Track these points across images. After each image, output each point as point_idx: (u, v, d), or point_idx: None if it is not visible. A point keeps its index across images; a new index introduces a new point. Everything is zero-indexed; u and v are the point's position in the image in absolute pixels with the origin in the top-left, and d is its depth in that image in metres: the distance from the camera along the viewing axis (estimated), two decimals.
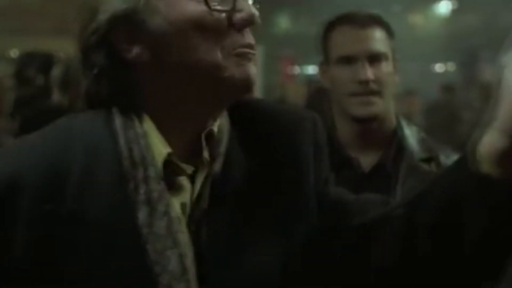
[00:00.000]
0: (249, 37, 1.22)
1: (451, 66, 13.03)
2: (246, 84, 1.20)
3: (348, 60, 2.36)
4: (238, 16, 1.19)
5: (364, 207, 1.35)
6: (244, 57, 1.20)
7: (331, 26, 2.45)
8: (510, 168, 1.15)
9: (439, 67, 13.83)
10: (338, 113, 2.46)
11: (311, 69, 7.13)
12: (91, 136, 1.19)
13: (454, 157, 2.40)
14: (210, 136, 1.24)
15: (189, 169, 1.22)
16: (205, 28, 1.17)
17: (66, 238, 1.13)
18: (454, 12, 13.46)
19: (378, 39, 2.39)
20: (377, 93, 2.33)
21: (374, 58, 2.35)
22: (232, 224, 1.23)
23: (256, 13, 1.21)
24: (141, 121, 1.21)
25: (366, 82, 2.32)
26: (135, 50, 1.19)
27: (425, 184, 1.28)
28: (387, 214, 1.30)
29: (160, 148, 1.20)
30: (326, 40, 2.45)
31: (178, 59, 1.18)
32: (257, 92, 7.06)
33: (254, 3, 1.24)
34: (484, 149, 1.17)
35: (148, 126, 1.21)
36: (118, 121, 1.21)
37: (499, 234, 1.15)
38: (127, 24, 1.19)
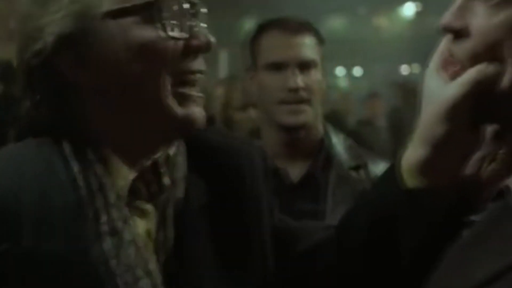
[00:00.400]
0: (200, 63, 1.18)
1: (416, 68, 13.14)
2: (190, 126, 1.17)
3: (278, 66, 2.31)
4: (194, 42, 1.15)
5: (308, 235, 1.35)
6: (189, 97, 1.16)
7: (260, 31, 2.39)
8: (433, 179, 1.16)
9: (404, 69, 13.94)
10: (264, 121, 2.41)
11: None
12: (41, 166, 1.12)
13: (382, 164, 2.44)
14: (167, 160, 1.21)
15: (153, 194, 1.19)
16: (159, 55, 1.13)
17: (24, 279, 1.06)
18: (418, 14, 13.57)
19: (308, 46, 2.34)
20: (307, 101, 2.30)
21: (304, 66, 2.31)
22: (199, 251, 1.21)
23: (213, 39, 1.17)
24: (94, 147, 1.15)
25: (296, 90, 2.28)
26: (82, 75, 1.13)
27: (355, 199, 1.31)
28: (321, 239, 1.31)
29: (124, 173, 1.16)
30: (255, 45, 2.38)
31: (126, 85, 1.13)
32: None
33: (199, 5, 1.19)
34: (407, 161, 1.18)
35: (105, 151, 1.16)
36: (68, 148, 1.15)
37: (431, 247, 1.14)
38: (75, 47, 1.12)
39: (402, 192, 1.17)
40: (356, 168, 2.36)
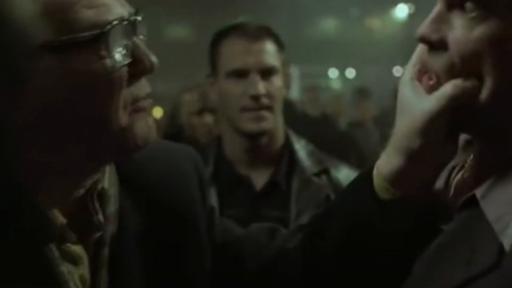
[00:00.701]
0: (146, 86, 1.11)
1: None
2: (146, 140, 1.10)
3: (239, 73, 2.29)
4: (139, 67, 1.08)
5: (254, 241, 1.34)
6: (141, 111, 1.09)
7: (220, 38, 2.36)
8: (407, 188, 1.16)
9: (396, 71, 13.97)
10: (226, 128, 2.39)
11: None
12: None
13: (344, 169, 2.45)
14: (100, 195, 1.14)
15: (83, 233, 1.11)
16: (106, 84, 1.04)
17: None
18: (411, 16, 13.59)
19: (269, 52, 2.32)
20: (269, 108, 2.28)
21: (266, 72, 2.28)
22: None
23: (154, 59, 1.09)
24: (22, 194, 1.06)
25: (257, 97, 2.26)
26: (19, 111, 1.03)
27: (324, 205, 1.29)
28: (280, 249, 1.31)
29: (55, 218, 1.08)
30: (215, 52, 2.35)
31: (71, 118, 1.04)
32: None
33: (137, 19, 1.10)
34: (381, 169, 1.19)
35: (35, 197, 1.06)
36: None
37: (403, 254, 1.15)
38: (10, 83, 1.02)
39: (375, 201, 1.17)
40: (319, 173, 2.36)
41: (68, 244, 1.08)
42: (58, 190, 1.08)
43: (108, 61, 1.03)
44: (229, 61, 2.30)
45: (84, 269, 1.10)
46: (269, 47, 2.32)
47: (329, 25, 14.28)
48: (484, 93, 1.06)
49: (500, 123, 1.09)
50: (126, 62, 1.05)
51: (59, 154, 1.06)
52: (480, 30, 1.04)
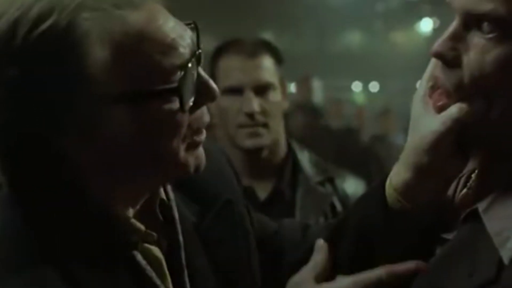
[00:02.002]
0: (206, 115, 1.14)
1: None
2: (199, 168, 1.14)
3: (234, 90, 2.31)
4: (202, 97, 1.11)
5: (291, 237, 1.41)
6: (198, 144, 1.13)
7: (218, 54, 2.38)
8: (416, 201, 1.19)
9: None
10: (227, 142, 2.40)
11: (292, 87, 7.13)
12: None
13: (350, 178, 2.47)
14: (162, 204, 1.20)
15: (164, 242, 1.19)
16: (175, 131, 1.07)
17: None
18: (435, 30, 13.55)
19: (265, 68, 2.33)
20: (264, 125, 2.30)
21: (261, 89, 2.30)
22: (203, 272, 1.22)
23: (216, 88, 1.12)
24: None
25: (251, 114, 2.28)
26: (87, 154, 1.06)
27: (340, 216, 1.35)
28: (312, 245, 1.34)
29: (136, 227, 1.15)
30: (213, 68, 2.37)
31: (136, 157, 1.08)
32: None
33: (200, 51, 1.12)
34: (392, 182, 1.22)
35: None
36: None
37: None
38: (82, 130, 1.04)
39: (385, 212, 1.21)
40: (323, 182, 2.37)
41: (147, 246, 1.13)
42: (127, 204, 1.14)
43: (181, 105, 1.05)
44: (225, 77, 2.33)
45: (164, 271, 1.15)
46: (266, 63, 2.34)
47: (353, 38, 14.26)
48: (493, 114, 1.09)
49: (504, 141, 1.11)
50: (192, 99, 1.07)
51: (124, 182, 1.11)
52: (495, 53, 1.05)
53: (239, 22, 9.81)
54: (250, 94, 2.29)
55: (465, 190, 1.21)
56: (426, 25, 13.92)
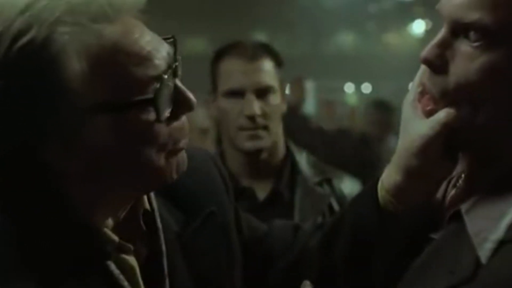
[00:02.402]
0: (185, 124, 1.16)
1: None
2: (180, 172, 1.17)
3: (235, 93, 2.34)
4: (180, 111, 1.14)
5: (282, 239, 1.43)
6: (179, 151, 1.16)
7: (219, 57, 2.42)
8: (407, 202, 1.23)
9: None
10: (227, 143, 2.45)
11: (287, 89, 7.13)
12: None
13: (347, 179, 2.50)
14: (145, 214, 1.23)
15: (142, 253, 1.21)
16: (152, 138, 1.10)
17: None
18: (428, 32, 13.58)
19: (265, 71, 2.36)
20: (264, 127, 2.34)
21: (262, 92, 2.34)
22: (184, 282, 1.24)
23: (192, 98, 1.15)
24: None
25: (252, 117, 2.32)
26: (71, 161, 1.09)
27: (335, 216, 1.38)
28: (303, 247, 1.38)
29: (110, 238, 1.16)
30: (215, 71, 2.41)
31: (116, 165, 1.11)
32: None
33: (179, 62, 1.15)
34: (383, 184, 1.25)
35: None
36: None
37: (400, 263, 1.21)
38: (62, 140, 1.07)
39: (377, 213, 1.24)
40: (321, 183, 2.40)
41: (123, 256, 1.15)
42: (107, 214, 1.16)
43: (157, 115, 1.08)
44: (226, 80, 2.35)
45: (137, 280, 1.17)
46: (266, 66, 2.37)
47: (346, 40, 14.28)
48: (479, 119, 1.11)
49: (490, 145, 1.15)
50: (170, 109, 1.10)
51: (105, 192, 1.13)
52: (481, 60, 1.08)
53: (233, 23, 9.82)
54: (251, 97, 2.32)
55: (453, 191, 1.24)
56: (418, 27, 13.95)
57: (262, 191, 2.42)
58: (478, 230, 1.10)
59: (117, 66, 1.06)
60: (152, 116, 1.08)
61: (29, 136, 1.06)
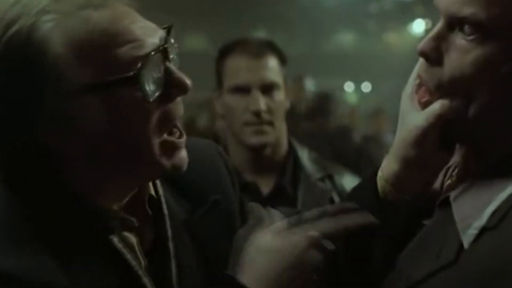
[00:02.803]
0: (180, 108, 1.19)
1: None
2: (180, 170, 1.20)
3: (241, 89, 2.38)
4: (173, 92, 1.17)
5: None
6: (175, 144, 1.19)
7: (224, 54, 2.46)
8: (405, 191, 1.27)
9: None
10: (231, 139, 2.49)
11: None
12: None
13: (347, 175, 2.53)
14: (151, 200, 1.27)
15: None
16: (142, 117, 1.14)
17: None
18: (428, 31, 13.58)
19: (271, 68, 2.41)
20: (269, 123, 2.39)
21: (267, 88, 2.38)
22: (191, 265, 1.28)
23: (188, 81, 1.18)
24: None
25: (258, 113, 2.36)
26: (67, 144, 1.14)
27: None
28: None
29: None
30: (220, 67, 2.45)
31: (111, 146, 1.15)
32: None
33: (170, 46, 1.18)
34: (382, 173, 1.29)
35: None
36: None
37: (396, 248, 1.25)
38: (57, 124, 1.12)
39: (377, 202, 1.28)
40: (323, 178, 2.44)
41: (125, 234, 1.20)
42: (111, 197, 1.20)
43: (143, 93, 1.11)
44: (232, 77, 2.39)
45: (138, 256, 1.21)
46: (271, 63, 2.41)
47: (346, 39, 14.30)
48: (472, 111, 1.15)
49: (483, 137, 1.19)
50: (160, 91, 1.13)
51: (107, 172, 1.18)
52: (475, 54, 1.12)
53: (233, 22, 9.83)
54: (257, 93, 2.36)
55: (449, 181, 1.27)
56: (418, 26, 13.97)
57: (265, 186, 2.46)
58: (463, 216, 1.15)
59: (102, 48, 1.10)
60: (138, 94, 1.11)
61: (23, 121, 1.11)
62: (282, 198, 2.42)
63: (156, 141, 1.15)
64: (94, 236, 1.17)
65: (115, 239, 1.18)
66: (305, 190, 2.43)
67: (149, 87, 1.12)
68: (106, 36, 1.11)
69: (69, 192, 1.17)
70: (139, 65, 1.11)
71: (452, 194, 1.20)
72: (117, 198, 1.22)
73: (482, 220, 1.13)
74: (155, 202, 1.27)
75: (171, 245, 1.26)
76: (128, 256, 1.18)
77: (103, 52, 1.11)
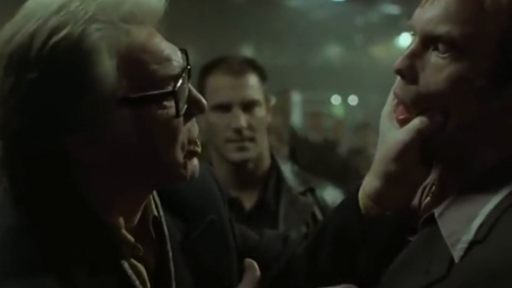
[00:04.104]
0: (196, 127, 1.24)
1: None
2: (194, 175, 1.23)
3: (223, 107, 2.45)
4: (194, 111, 1.21)
5: (273, 248, 1.49)
6: (195, 153, 1.23)
7: (206, 72, 2.52)
8: (386, 207, 1.29)
9: None
10: (215, 155, 2.55)
11: (273, 100, 7.13)
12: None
13: (329, 188, 2.57)
14: (153, 221, 1.28)
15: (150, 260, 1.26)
16: (172, 135, 1.17)
17: None
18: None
19: (251, 86, 2.47)
20: (251, 139, 2.46)
21: (248, 105, 2.45)
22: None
23: (204, 101, 1.22)
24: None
25: (239, 130, 2.42)
26: (91, 155, 1.15)
27: (320, 223, 1.43)
28: (291, 255, 1.44)
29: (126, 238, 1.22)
30: (202, 85, 2.50)
31: (137, 159, 1.17)
32: None
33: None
34: (364, 190, 1.32)
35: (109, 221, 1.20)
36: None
37: (381, 264, 1.27)
38: (87, 132, 1.13)
39: (360, 219, 1.30)
40: (304, 192, 2.48)
41: (133, 262, 1.20)
42: (123, 213, 1.20)
43: (177, 110, 1.15)
44: (214, 95, 2.46)
45: (147, 285, 1.22)
46: (252, 81, 2.47)
47: (333, 52, 14.34)
48: (450, 126, 1.18)
49: (463, 151, 1.22)
50: (185, 107, 1.17)
51: (124, 183, 1.19)
52: (449, 70, 1.16)
53: (220, 35, 9.85)
54: (238, 111, 2.41)
55: (428, 197, 1.30)
56: (405, 40, 14.03)
57: (248, 201, 2.49)
58: (451, 232, 1.17)
59: (141, 63, 1.13)
60: (171, 111, 1.14)
61: (57, 127, 1.11)
62: (264, 213, 2.45)
63: (181, 154, 1.18)
64: (107, 259, 1.17)
65: (126, 265, 1.18)
66: (287, 204, 2.47)
67: (182, 103, 1.16)
68: (145, 53, 1.14)
69: (85, 208, 1.16)
70: (174, 82, 1.15)
71: (437, 211, 1.22)
72: (131, 212, 1.23)
73: (470, 234, 1.15)
74: (157, 223, 1.28)
75: (172, 268, 1.27)
76: (137, 282, 1.19)
77: (142, 67, 1.13)
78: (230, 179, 2.49)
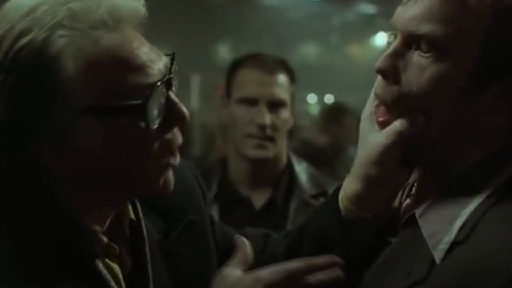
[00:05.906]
0: (178, 136, 1.21)
1: None
2: (168, 191, 1.22)
3: (249, 102, 2.47)
4: (172, 122, 1.19)
5: (251, 244, 1.43)
6: (170, 166, 1.20)
7: (238, 65, 2.54)
8: (366, 209, 1.30)
9: None
10: (232, 150, 2.55)
11: None
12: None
13: None
14: (131, 223, 1.28)
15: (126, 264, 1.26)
16: (142, 146, 1.15)
17: None
18: (390, 44, 13.69)
19: (280, 85, 2.48)
20: (271, 139, 2.45)
21: (274, 104, 2.46)
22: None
23: (186, 112, 1.18)
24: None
25: (262, 127, 2.42)
26: (62, 161, 1.14)
27: (300, 225, 1.44)
28: (272, 255, 1.46)
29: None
30: (231, 77, 2.53)
31: (105, 175, 1.16)
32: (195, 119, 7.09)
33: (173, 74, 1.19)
34: (345, 192, 1.33)
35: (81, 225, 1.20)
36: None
37: (362, 265, 1.28)
38: (54, 139, 1.12)
39: (340, 221, 1.31)
40: (317, 195, 2.46)
41: (108, 262, 1.20)
42: (95, 218, 1.21)
43: (146, 123, 1.12)
44: (241, 89, 2.45)
45: (122, 285, 1.22)
46: (281, 80, 2.46)
47: (309, 51, 14.36)
48: (432, 127, 1.16)
49: (444, 153, 1.22)
50: (160, 120, 1.14)
51: (94, 194, 1.17)
52: (432, 70, 1.14)
53: (198, 34, 9.82)
54: (264, 108, 2.40)
55: (408, 199, 1.30)
56: (381, 39, 14.07)
57: (259, 200, 2.48)
58: (432, 232, 1.17)
59: (110, 71, 1.10)
60: (142, 123, 1.11)
61: (22, 133, 1.10)
62: (274, 214, 2.44)
63: (152, 169, 1.15)
64: (81, 260, 1.16)
65: (100, 265, 1.18)
66: (297, 207, 2.46)
67: (153, 116, 1.12)
68: (115, 61, 1.11)
69: (57, 212, 1.15)
70: (146, 93, 1.11)
71: (418, 212, 1.22)
72: (101, 219, 1.21)
73: (451, 235, 1.15)
74: (134, 225, 1.27)
75: (150, 270, 1.26)
76: (113, 283, 1.18)
77: (111, 76, 1.10)
78: (243, 177, 2.50)
